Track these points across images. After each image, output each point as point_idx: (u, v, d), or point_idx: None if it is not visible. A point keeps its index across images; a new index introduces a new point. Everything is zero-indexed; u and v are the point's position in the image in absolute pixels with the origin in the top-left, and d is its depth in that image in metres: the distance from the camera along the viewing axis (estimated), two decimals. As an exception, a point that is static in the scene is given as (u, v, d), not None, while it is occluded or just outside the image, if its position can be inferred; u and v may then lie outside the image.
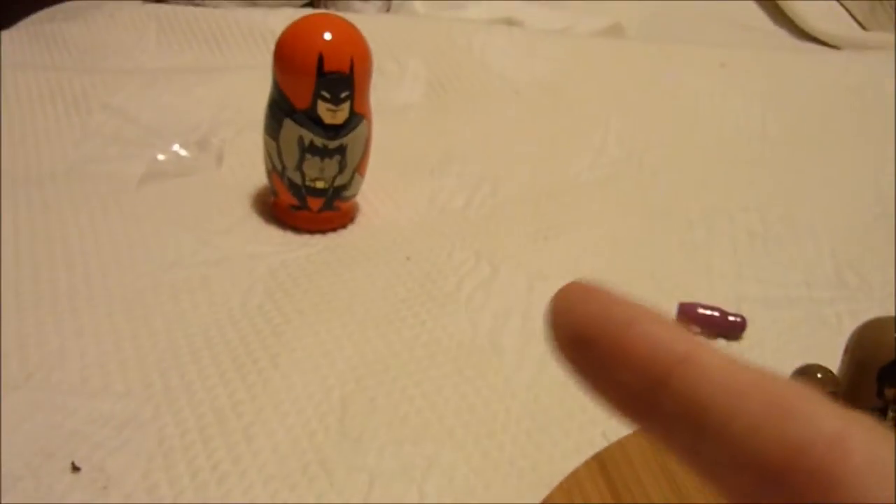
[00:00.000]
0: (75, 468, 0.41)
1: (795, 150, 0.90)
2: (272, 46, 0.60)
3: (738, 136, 0.91)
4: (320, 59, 0.58)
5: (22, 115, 0.76)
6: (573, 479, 0.42)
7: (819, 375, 0.45)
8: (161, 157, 0.72)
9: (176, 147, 0.73)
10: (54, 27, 0.96)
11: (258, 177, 0.70)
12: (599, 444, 0.46)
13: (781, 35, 1.27)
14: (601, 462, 0.43)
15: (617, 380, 0.13)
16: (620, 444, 0.45)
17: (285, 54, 0.59)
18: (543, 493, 0.42)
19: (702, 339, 0.13)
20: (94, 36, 0.94)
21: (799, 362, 0.53)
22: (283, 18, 0.81)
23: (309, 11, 0.80)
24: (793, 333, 0.60)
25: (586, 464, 0.43)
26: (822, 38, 1.21)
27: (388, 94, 0.88)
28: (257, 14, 0.96)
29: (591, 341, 0.14)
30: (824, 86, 1.02)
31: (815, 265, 0.69)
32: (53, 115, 0.77)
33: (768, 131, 0.93)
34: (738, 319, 0.58)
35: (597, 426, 0.49)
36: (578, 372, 0.14)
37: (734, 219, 0.74)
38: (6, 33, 0.98)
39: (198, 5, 1.01)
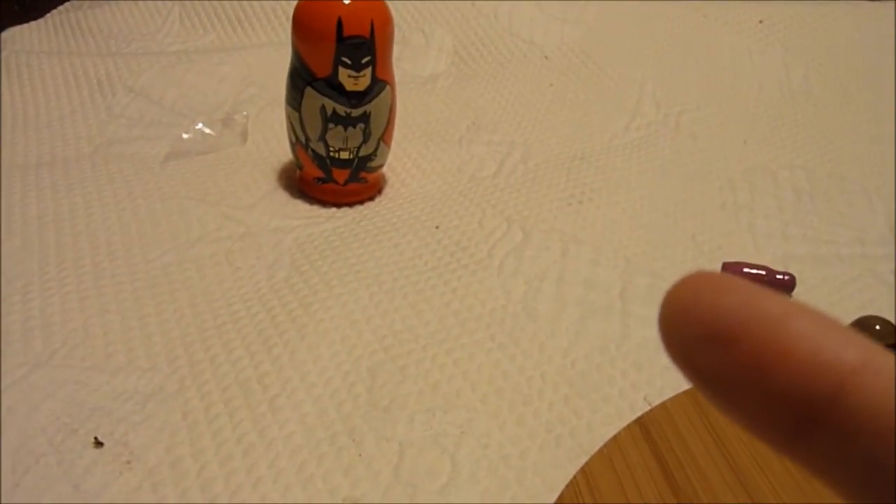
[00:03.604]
0: (98, 443, 0.40)
1: (841, 107, 0.86)
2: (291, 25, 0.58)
3: (780, 94, 0.88)
4: (339, 24, 0.56)
5: (47, 99, 0.76)
6: (614, 443, 0.40)
7: (878, 327, 0.42)
8: (186, 135, 0.71)
9: (200, 125, 0.72)
10: (79, 16, 0.96)
11: (283, 152, 0.69)
12: (641, 410, 0.44)
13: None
14: (643, 425, 0.41)
15: (767, 389, 0.11)
16: (663, 407, 0.42)
17: (304, 20, 0.57)
18: (583, 460, 0.40)
19: (873, 343, 0.11)
20: (118, 22, 0.94)
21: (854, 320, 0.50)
22: (304, -8, 0.79)
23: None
24: (846, 291, 0.57)
25: (628, 428, 0.41)
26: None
27: (414, 65, 0.86)
28: (279, -8, 0.95)
29: (733, 340, 0.11)
30: (869, 39, 0.97)
31: (868, 222, 0.66)
32: (78, 98, 0.76)
33: (812, 88, 0.89)
34: (787, 278, 0.55)
35: (638, 391, 0.46)
36: (710, 379, 0.12)
37: (778, 177, 0.71)
38: (35, 24, 0.98)
39: (220, -14, 0.99)
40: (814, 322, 0.11)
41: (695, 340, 0.12)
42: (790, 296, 0.56)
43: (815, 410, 0.11)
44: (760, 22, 0.97)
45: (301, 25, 0.58)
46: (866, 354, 0.11)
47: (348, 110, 0.59)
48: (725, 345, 0.11)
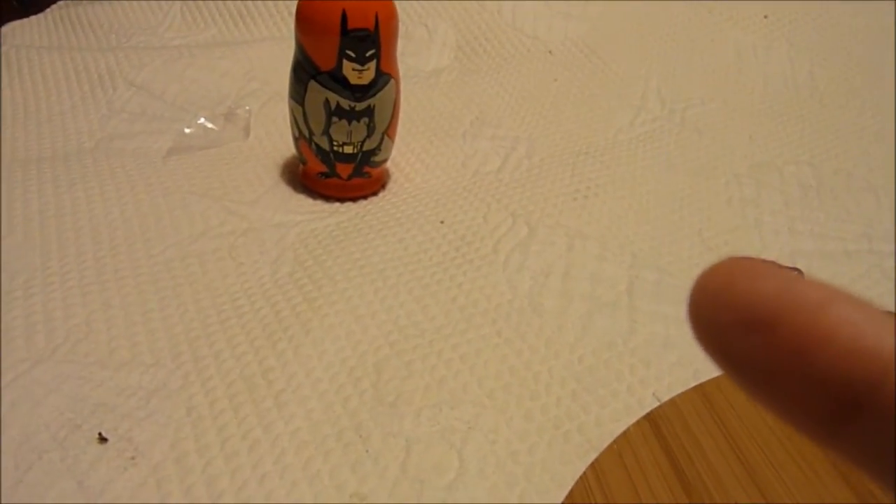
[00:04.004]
0: (102, 439, 0.39)
1: (847, 103, 0.85)
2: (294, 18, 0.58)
3: (786, 89, 0.87)
4: (344, 17, 0.55)
5: (48, 94, 0.76)
6: (624, 440, 0.40)
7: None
8: (188, 130, 0.70)
9: (202, 120, 0.71)
10: (79, 10, 0.95)
11: (286, 147, 0.69)
12: (650, 405, 0.43)
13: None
14: (653, 422, 0.41)
15: (806, 375, 0.11)
16: (673, 403, 0.42)
17: (307, 13, 0.57)
18: (591, 456, 0.40)
19: None
20: (118, 16, 0.94)
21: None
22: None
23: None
24: (854, 287, 0.57)
25: (637, 424, 0.41)
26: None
27: (417, 60, 0.86)
28: (281, -14, 0.94)
29: (771, 325, 0.11)
30: (874, 35, 0.97)
31: (875, 218, 0.65)
32: (79, 93, 0.76)
33: (817, 84, 0.89)
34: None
35: (647, 387, 0.46)
36: (746, 365, 0.11)
37: (784, 173, 0.71)
38: (34, 19, 0.97)
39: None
40: (855, 308, 0.11)
41: (729, 326, 0.11)
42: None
43: (856, 397, 0.10)
44: (765, 17, 0.97)
45: (305, 18, 0.57)
46: None
47: (352, 104, 0.58)
48: (763, 330, 0.11)
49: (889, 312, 0.11)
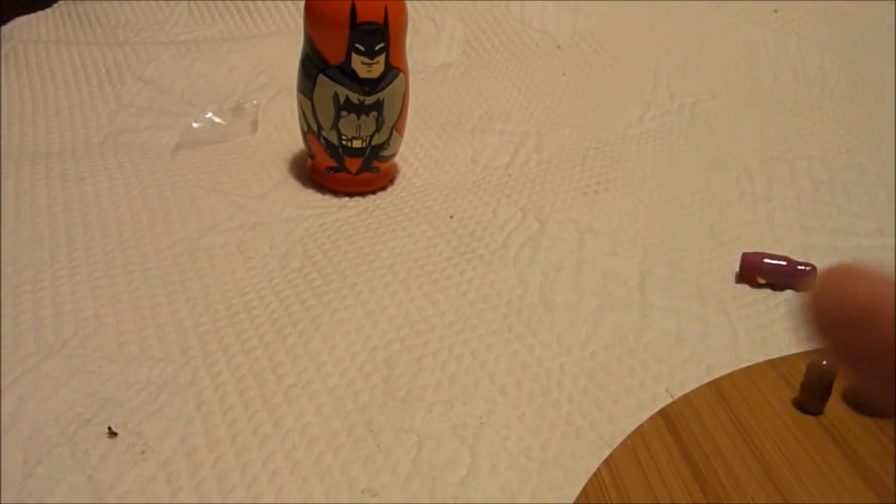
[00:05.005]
0: (112, 433, 0.39)
1: (857, 97, 0.85)
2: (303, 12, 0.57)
3: (796, 84, 0.87)
4: (353, 10, 0.55)
5: (56, 89, 0.75)
6: (638, 435, 0.39)
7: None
8: (195, 124, 0.70)
9: (210, 115, 0.71)
10: (87, 5, 0.95)
11: (294, 141, 0.68)
12: (663, 401, 0.43)
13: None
14: (667, 417, 0.40)
15: (881, 360, 0.13)
16: (686, 399, 0.42)
17: (317, 7, 0.57)
18: (605, 452, 0.39)
19: None
20: (126, 12, 0.93)
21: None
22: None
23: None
24: (867, 282, 0.56)
25: (651, 419, 0.40)
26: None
27: (425, 54, 0.85)
28: (289, -19, 0.94)
29: (872, 321, 0.13)
30: (884, 29, 0.96)
31: (888, 213, 0.65)
32: (87, 88, 0.76)
33: (827, 78, 0.88)
34: (809, 268, 0.54)
35: (659, 383, 0.46)
36: (848, 355, 0.14)
37: (796, 168, 0.70)
38: (42, 14, 0.97)
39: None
40: None
41: (839, 320, 0.14)
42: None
43: None
44: (775, 12, 0.96)
45: (314, 12, 0.57)
46: None
47: (361, 98, 0.58)
48: (865, 325, 0.13)
49: None
